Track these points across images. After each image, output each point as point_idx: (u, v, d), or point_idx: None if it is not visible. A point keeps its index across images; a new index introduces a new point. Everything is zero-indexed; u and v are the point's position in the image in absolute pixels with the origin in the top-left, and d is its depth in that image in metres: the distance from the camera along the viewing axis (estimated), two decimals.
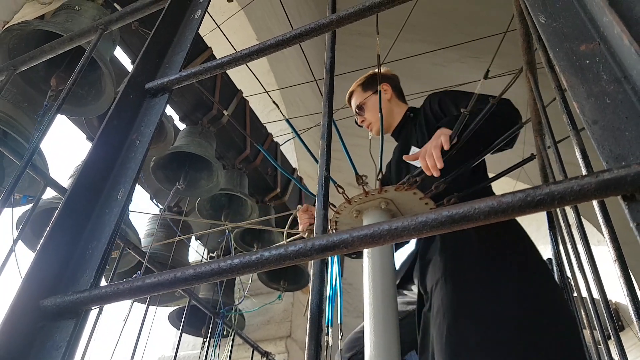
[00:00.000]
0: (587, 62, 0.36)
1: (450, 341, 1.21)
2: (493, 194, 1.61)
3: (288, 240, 1.73)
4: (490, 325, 1.20)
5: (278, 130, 3.12)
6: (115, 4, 1.73)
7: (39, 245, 0.44)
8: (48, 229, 0.45)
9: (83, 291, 0.40)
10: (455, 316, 1.24)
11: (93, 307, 0.41)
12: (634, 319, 0.50)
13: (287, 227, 1.72)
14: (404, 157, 1.44)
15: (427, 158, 1.31)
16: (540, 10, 0.42)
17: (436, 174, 1.30)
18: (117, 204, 0.49)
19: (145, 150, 0.54)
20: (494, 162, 1.69)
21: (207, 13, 0.76)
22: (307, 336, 0.37)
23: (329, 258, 1.40)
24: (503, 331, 1.18)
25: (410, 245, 1.69)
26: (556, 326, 1.21)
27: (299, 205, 1.65)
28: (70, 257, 0.45)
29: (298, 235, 1.63)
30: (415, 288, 1.53)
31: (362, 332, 1.64)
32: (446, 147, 1.30)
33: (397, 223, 0.31)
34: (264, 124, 2.95)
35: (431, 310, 1.36)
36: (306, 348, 0.37)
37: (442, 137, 1.32)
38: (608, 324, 0.87)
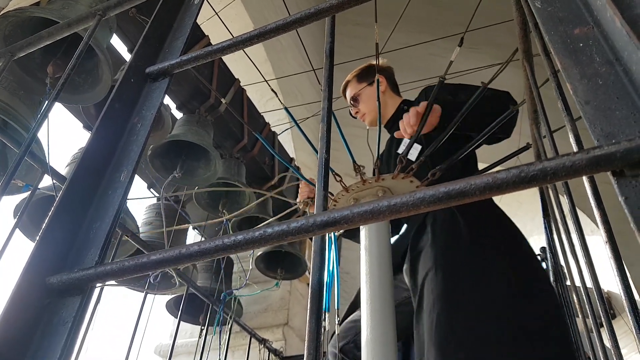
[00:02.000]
0: (581, 44, 0.37)
1: (439, 330, 1.23)
2: None
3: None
4: (480, 316, 1.22)
5: (275, 120, 3.12)
6: None
7: (44, 224, 0.45)
8: (53, 208, 0.46)
9: (89, 268, 0.41)
10: (445, 306, 1.26)
11: (98, 284, 0.42)
12: (621, 295, 0.52)
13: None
14: (396, 134, 1.47)
15: (406, 118, 1.39)
16: None
17: (408, 133, 1.39)
18: (120, 185, 0.50)
19: (147, 133, 0.55)
20: (489, 151, 1.70)
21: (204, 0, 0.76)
22: (307, 311, 0.38)
23: (327, 244, 1.42)
24: (493, 321, 1.20)
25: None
26: (546, 317, 1.23)
27: (301, 182, 1.67)
28: (75, 236, 0.46)
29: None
30: (406, 278, 1.55)
31: (354, 321, 1.67)
32: (420, 111, 1.36)
33: (396, 199, 0.33)
34: (262, 114, 2.95)
35: (421, 301, 1.38)
36: (307, 322, 0.38)
37: (420, 105, 1.39)
38: (600, 311, 0.89)
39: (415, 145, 1.54)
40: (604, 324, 0.92)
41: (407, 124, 1.38)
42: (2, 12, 1.47)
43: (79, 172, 0.50)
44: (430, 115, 1.37)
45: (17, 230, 1.54)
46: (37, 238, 0.45)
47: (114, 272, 0.40)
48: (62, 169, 2.04)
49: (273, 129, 3.01)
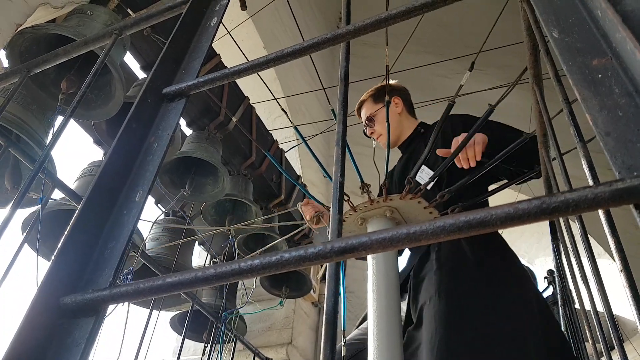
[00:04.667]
0: (600, 76, 0.37)
1: (441, 355, 1.21)
2: (488, 204, 1.63)
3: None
4: (482, 342, 1.21)
5: (283, 138, 3.14)
6: (128, 10, 1.75)
7: (59, 244, 0.45)
8: (68, 228, 0.46)
9: (104, 289, 0.41)
10: (447, 331, 1.25)
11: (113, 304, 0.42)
12: (639, 326, 0.51)
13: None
14: (438, 152, 1.45)
15: (469, 149, 1.36)
16: (554, 25, 0.43)
17: (472, 164, 1.37)
18: (136, 205, 0.50)
19: (162, 153, 0.55)
20: None
21: (224, 12, 0.77)
22: (322, 337, 0.38)
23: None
24: (495, 348, 1.19)
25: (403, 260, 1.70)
26: (553, 347, 1.22)
27: (299, 203, 1.70)
28: (89, 255, 0.47)
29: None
30: (404, 305, 1.54)
31: (351, 341, 1.65)
32: (482, 149, 1.36)
33: (416, 227, 0.32)
34: (270, 131, 2.97)
35: (421, 327, 1.36)
36: (322, 349, 0.38)
37: (484, 138, 1.38)
38: (612, 335, 0.88)
39: (427, 170, 1.54)
40: (615, 346, 0.90)
41: (472, 157, 1.38)
42: (19, 29, 1.50)
43: (96, 191, 0.50)
44: (482, 145, 1.38)
45: (26, 245, 1.55)
46: (53, 257, 0.45)
47: (129, 293, 0.40)
48: (71, 181, 2.05)
49: (281, 146, 3.03)
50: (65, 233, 0.46)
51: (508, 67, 3.90)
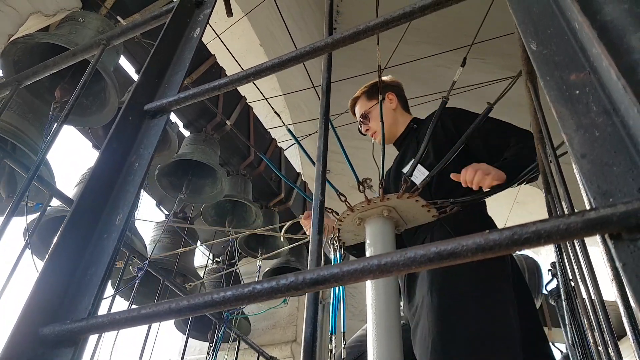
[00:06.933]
0: (577, 92, 0.36)
1: (435, 356, 1.21)
2: (484, 204, 1.62)
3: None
4: (475, 341, 1.20)
5: (282, 135, 3.12)
6: (117, 17, 1.74)
7: (39, 272, 0.45)
8: (48, 255, 0.46)
9: (81, 320, 0.41)
10: (440, 331, 1.25)
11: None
12: (630, 336, 0.50)
13: (284, 229, 1.78)
14: (452, 176, 1.40)
15: (478, 173, 1.31)
16: (532, 37, 0.42)
17: (475, 188, 1.33)
18: (116, 229, 0.50)
19: (144, 173, 0.54)
20: None
21: (208, 23, 0.76)
22: None
23: (333, 262, 1.41)
24: (488, 347, 1.18)
25: None
26: (543, 342, 1.22)
27: (301, 215, 1.68)
28: (69, 283, 0.46)
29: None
30: (402, 302, 1.54)
31: (353, 345, 1.65)
32: (491, 184, 1.31)
33: (387, 258, 0.32)
34: (268, 129, 2.96)
35: (417, 326, 1.36)
36: None
37: (497, 175, 1.32)
38: (607, 334, 0.87)
39: (422, 169, 1.53)
40: (610, 345, 0.90)
41: (470, 181, 1.34)
42: (11, 39, 1.49)
43: (76, 215, 0.49)
44: (492, 179, 1.32)
45: (27, 252, 1.55)
46: (32, 285, 0.44)
47: (105, 324, 0.40)
48: (71, 187, 2.05)
49: (280, 143, 3.01)
50: (45, 260, 0.46)
51: (508, 55, 3.85)
